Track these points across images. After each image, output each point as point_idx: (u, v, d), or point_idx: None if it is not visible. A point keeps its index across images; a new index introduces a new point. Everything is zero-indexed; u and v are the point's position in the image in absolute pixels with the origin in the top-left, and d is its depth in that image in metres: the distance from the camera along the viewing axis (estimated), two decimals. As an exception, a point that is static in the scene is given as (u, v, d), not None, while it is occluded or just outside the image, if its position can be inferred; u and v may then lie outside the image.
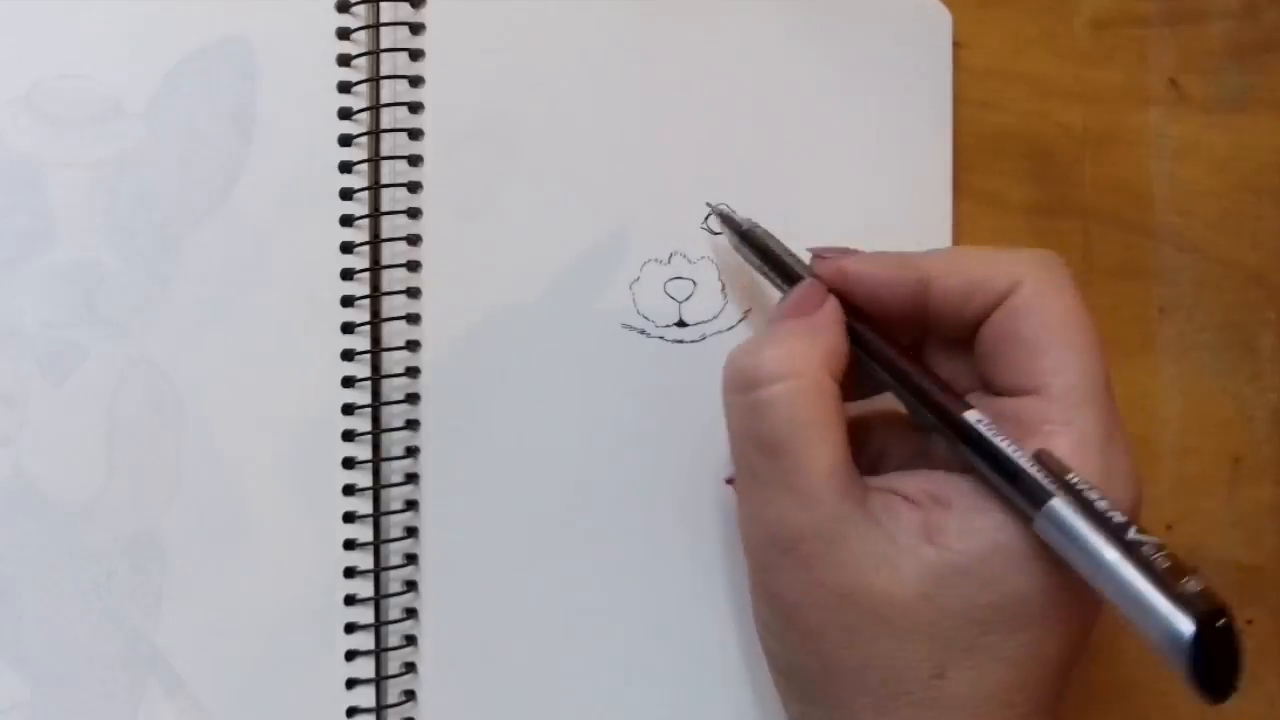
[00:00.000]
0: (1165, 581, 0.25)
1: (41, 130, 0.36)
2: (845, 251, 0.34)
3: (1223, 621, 0.25)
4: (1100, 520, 0.27)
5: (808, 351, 0.31)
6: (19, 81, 0.36)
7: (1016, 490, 0.29)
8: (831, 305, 0.32)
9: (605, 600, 0.38)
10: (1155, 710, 0.41)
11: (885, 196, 0.40)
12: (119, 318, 0.36)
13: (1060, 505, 0.27)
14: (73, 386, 0.36)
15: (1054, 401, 0.30)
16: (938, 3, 0.40)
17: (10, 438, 0.35)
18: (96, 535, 0.36)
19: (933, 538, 0.30)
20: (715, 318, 0.38)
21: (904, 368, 0.32)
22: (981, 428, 0.30)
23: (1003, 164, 0.42)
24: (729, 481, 0.35)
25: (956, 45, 0.40)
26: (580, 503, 0.37)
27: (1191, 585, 0.25)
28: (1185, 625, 0.24)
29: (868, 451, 0.34)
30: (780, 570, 0.31)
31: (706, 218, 0.38)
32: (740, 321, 0.38)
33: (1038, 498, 0.28)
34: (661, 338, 0.38)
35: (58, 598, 0.35)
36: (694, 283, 0.38)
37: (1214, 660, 0.24)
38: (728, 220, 0.37)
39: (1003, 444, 0.29)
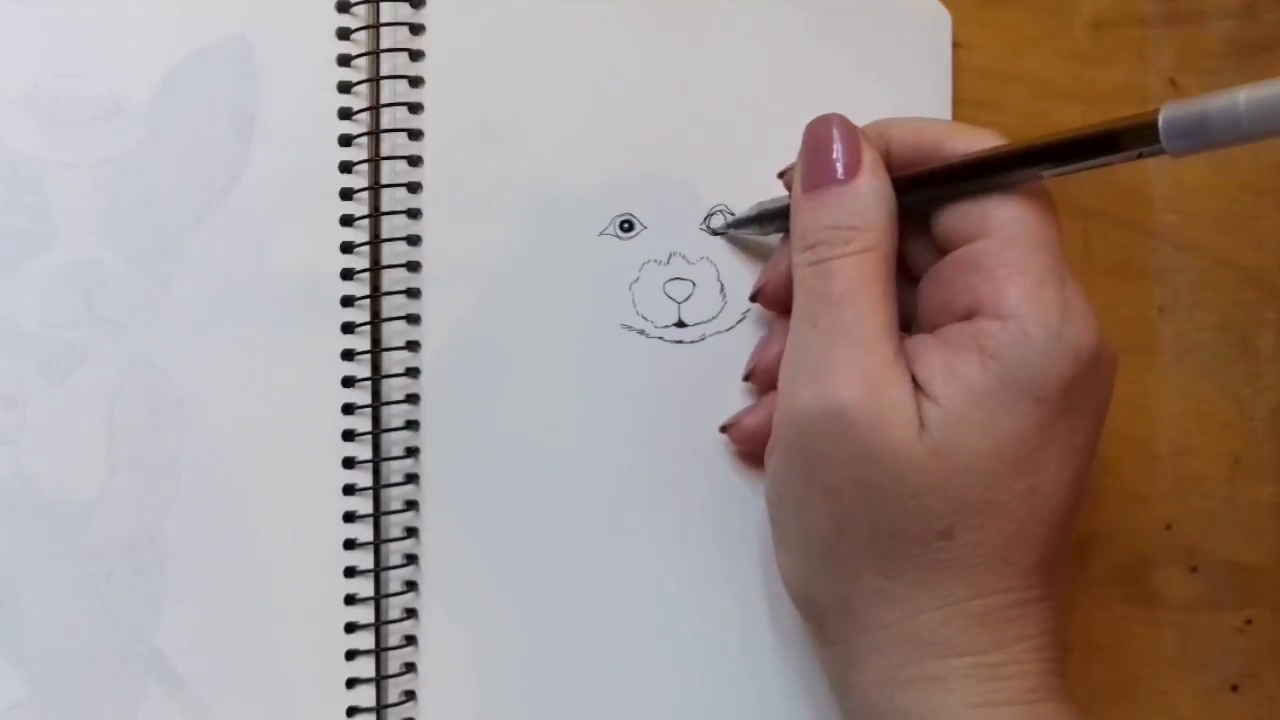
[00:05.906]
0: None
1: (41, 130, 0.36)
2: None
3: None
4: (1214, 98, 0.28)
5: (880, 212, 0.33)
6: (19, 81, 0.36)
7: (1129, 141, 0.29)
8: (870, 159, 0.33)
9: (605, 599, 0.37)
10: (1155, 710, 0.41)
11: (885, 196, 0.40)
12: (119, 318, 0.36)
13: (1171, 109, 0.28)
14: (73, 386, 0.36)
15: (1009, 246, 0.31)
16: (937, 3, 0.40)
17: (10, 438, 0.35)
18: (96, 535, 0.36)
19: (928, 392, 0.31)
20: (714, 318, 0.38)
21: (968, 160, 0.33)
22: (1062, 137, 0.31)
23: (1002, 164, 0.42)
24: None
25: (956, 45, 0.40)
26: (579, 503, 0.37)
27: None
28: None
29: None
30: (812, 423, 0.32)
31: (706, 218, 0.38)
32: (739, 322, 0.38)
33: (1149, 125, 0.29)
34: (661, 338, 0.38)
35: (58, 598, 0.35)
36: (693, 283, 0.38)
37: None
38: (741, 223, 0.38)
39: (1085, 129, 0.30)
